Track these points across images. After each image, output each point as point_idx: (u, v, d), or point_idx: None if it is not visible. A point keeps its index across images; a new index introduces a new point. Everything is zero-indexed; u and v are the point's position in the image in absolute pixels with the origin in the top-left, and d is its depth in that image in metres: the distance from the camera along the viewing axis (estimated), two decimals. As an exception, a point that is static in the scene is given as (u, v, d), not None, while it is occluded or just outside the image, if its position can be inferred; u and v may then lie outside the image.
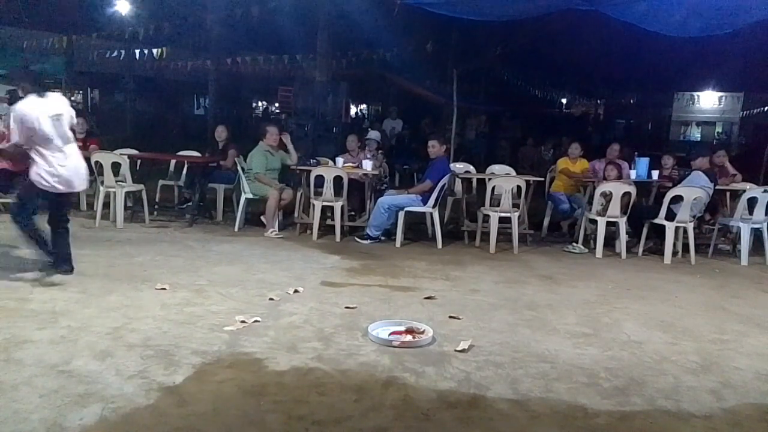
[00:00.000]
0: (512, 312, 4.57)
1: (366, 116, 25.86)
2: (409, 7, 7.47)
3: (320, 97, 11.58)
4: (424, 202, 6.91)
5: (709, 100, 26.64)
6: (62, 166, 4.76)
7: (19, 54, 14.12)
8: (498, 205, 6.92)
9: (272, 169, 7.39)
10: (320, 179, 7.03)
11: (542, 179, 8.13)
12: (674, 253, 6.76)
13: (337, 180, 7.02)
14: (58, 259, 4.93)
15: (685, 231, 6.73)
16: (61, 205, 4.98)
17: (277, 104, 20.27)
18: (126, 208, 7.28)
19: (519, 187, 7.12)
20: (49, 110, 4.69)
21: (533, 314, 4.55)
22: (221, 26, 13.98)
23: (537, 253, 6.93)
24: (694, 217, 6.79)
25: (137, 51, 13.76)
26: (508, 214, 6.81)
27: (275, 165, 7.43)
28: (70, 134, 4.90)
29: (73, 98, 19.76)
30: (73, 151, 4.88)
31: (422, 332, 3.89)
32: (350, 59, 13.44)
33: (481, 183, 7.68)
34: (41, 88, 4.79)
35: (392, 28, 11.67)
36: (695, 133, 27.77)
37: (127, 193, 7.36)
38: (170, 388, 3.03)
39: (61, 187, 4.79)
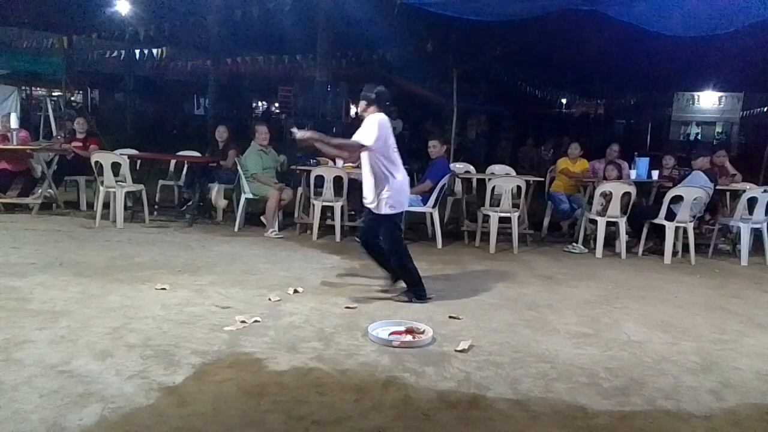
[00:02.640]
0: (512, 312, 4.57)
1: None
2: (409, 7, 7.47)
3: (320, 97, 11.59)
4: (424, 202, 6.91)
5: (709, 100, 26.63)
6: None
7: (19, 54, 14.11)
8: (498, 205, 6.92)
9: (268, 168, 7.41)
10: (320, 179, 7.04)
11: (542, 179, 8.13)
12: (674, 253, 6.76)
13: (337, 180, 7.02)
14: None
15: (685, 231, 6.73)
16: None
17: (277, 104, 20.28)
18: (126, 208, 7.28)
19: (519, 187, 7.12)
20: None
21: (533, 314, 4.55)
22: (221, 26, 13.98)
23: (537, 253, 6.93)
24: (694, 217, 6.79)
25: (137, 51, 13.77)
26: (508, 214, 6.81)
27: (270, 163, 7.46)
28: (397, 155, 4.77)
29: (73, 98, 19.78)
30: (401, 171, 4.79)
31: (422, 332, 3.89)
32: (350, 59, 13.43)
33: (481, 183, 7.68)
34: (387, 108, 4.79)
35: (392, 28, 11.66)
36: (695, 133, 27.77)
37: (127, 193, 7.36)
38: (170, 388, 3.03)
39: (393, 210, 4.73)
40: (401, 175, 4.77)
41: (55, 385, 2.98)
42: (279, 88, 15.92)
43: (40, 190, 7.79)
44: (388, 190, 4.66)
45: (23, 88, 15.73)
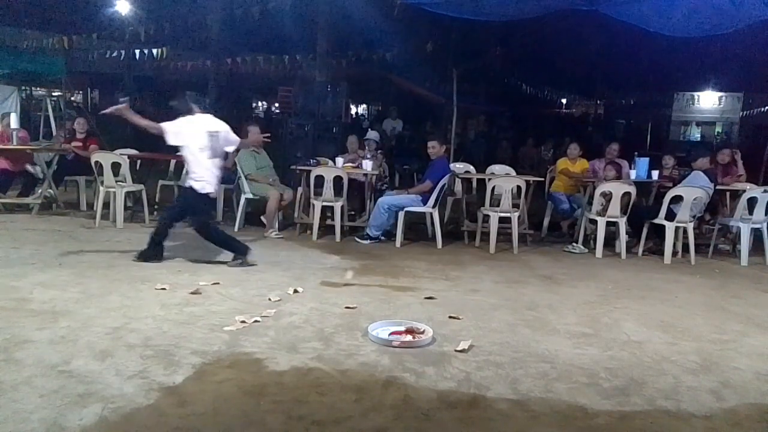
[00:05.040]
0: (512, 312, 4.57)
1: (366, 116, 25.87)
2: (409, 7, 7.48)
3: (320, 97, 11.57)
4: (424, 202, 6.91)
5: (709, 100, 26.63)
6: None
7: (19, 54, 14.11)
8: (498, 205, 6.92)
9: (263, 167, 7.41)
10: (320, 179, 7.04)
11: (542, 179, 8.13)
12: (674, 253, 6.76)
13: (337, 180, 7.02)
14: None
15: (685, 231, 6.73)
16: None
17: (277, 104, 20.28)
18: (126, 208, 7.28)
19: (519, 187, 7.12)
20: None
21: (533, 314, 4.55)
22: (221, 26, 13.97)
23: (537, 253, 6.93)
24: (694, 217, 6.79)
25: (137, 51, 13.77)
26: (508, 214, 6.81)
27: (265, 163, 7.48)
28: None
29: (73, 98, 19.77)
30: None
31: (422, 332, 3.89)
32: (350, 59, 13.44)
33: (481, 183, 7.68)
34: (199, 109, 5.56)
35: (392, 28, 11.67)
36: (695, 133, 27.75)
37: (127, 193, 7.36)
38: (170, 388, 3.03)
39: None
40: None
41: (55, 385, 2.98)
42: (279, 88, 15.91)
43: (40, 190, 7.79)
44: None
45: (23, 88, 15.72)
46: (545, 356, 3.70)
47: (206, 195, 5.51)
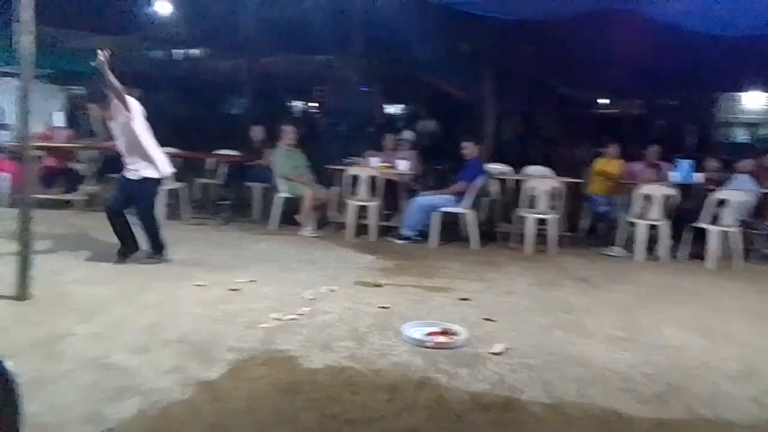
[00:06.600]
0: (547, 314, 4.52)
1: (400, 116, 25.85)
2: (442, 7, 7.45)
3: (354, 97, 11.63)
4: (458, 202, 6.88)
5: (755, 101, 25.91)
6: None
7: (63, 54, 14.46)
8: (534, 207, 6.85)
9: (298, 166, 7.47)
10: (355, 179, 7.06)
11: (579, 180, 8.01)
12: (717, 258, 6.59)
13: (372, 179, 7.04)
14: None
15: (729, 235, 6.55)
16: None
17: (312, 104, 20.42)
18: (166, 205, 7.40)
19: (555, 189, 7.04)
20: None
21: (568, 317, 4.48)
22: (257, 27, 14.14)
23: (573, 255, 6.82)
24: (738, 221, 6.61)
25: (176, 52, 14.01)
26: (545, 216, 6.73)
27: (299, 162, 7.53)
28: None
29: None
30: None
31: (457, 334, 3.87)
32: (383, 60, 13.45)
33: (517, 184, 7.61)
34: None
35: (426, 28, 11.63)
36: (740, 135, 27.04)
37: (168, 191, 7.49)
38: (205, 384, 3.07)
39: None
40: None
41: (93, 379, 3.05)
42: (314, 88, 16.03)
43: (83, 188, 7.97)
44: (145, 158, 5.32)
45: (68, 87, 16.13)
46: (580, 360, 3.65)
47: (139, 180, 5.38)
